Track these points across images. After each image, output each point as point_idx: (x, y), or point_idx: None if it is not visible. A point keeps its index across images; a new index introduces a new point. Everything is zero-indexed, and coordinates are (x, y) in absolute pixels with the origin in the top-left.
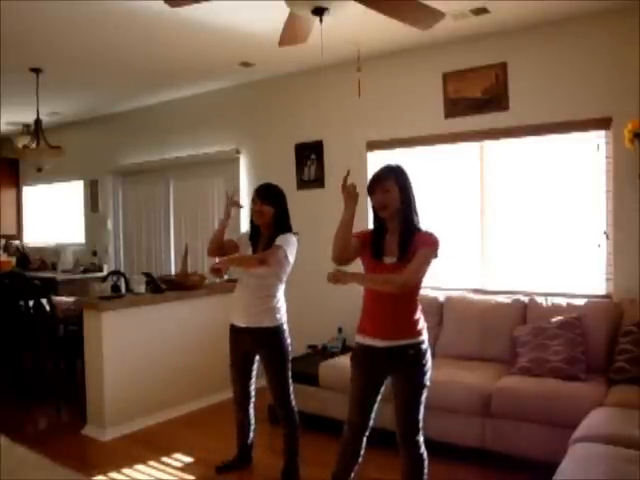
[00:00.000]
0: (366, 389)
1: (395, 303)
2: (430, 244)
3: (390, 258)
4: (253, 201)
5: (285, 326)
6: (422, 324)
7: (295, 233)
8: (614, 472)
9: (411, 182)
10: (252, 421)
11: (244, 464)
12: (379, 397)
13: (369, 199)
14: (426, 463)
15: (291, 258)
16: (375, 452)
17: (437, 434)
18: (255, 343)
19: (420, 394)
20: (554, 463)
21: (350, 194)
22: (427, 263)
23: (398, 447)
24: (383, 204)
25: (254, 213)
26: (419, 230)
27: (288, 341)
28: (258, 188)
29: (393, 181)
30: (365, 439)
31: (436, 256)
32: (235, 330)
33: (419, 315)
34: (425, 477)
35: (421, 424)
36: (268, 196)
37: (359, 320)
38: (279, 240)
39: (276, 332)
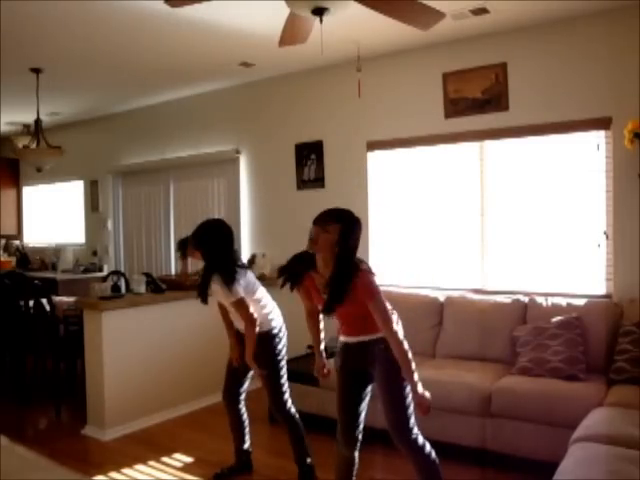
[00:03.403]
0: (347, 388)
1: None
2: (372, 294)
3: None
4: None
5: (275, 331)
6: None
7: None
8: (614, 472)
9: (358, 233)
10: (245, 423)
11: (244, 472)
12: (364, 397)
13: (368, 199)
14: (431, 461)
15: (243, 292)
16: (377, 452)
17: (437, 434)
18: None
19: (399, 392)
20: (554, 463)
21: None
22: (384, 307)
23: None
24: (315, 240)
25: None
26: (357, 270)
27: (278, 347)
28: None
29: (337, 228)
30: (357, 446)
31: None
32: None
33: None
34: (439, 475)
35: (411, 423)
36: (198, 238)
37: None
38: (222, 295)
39: (261, 339)
